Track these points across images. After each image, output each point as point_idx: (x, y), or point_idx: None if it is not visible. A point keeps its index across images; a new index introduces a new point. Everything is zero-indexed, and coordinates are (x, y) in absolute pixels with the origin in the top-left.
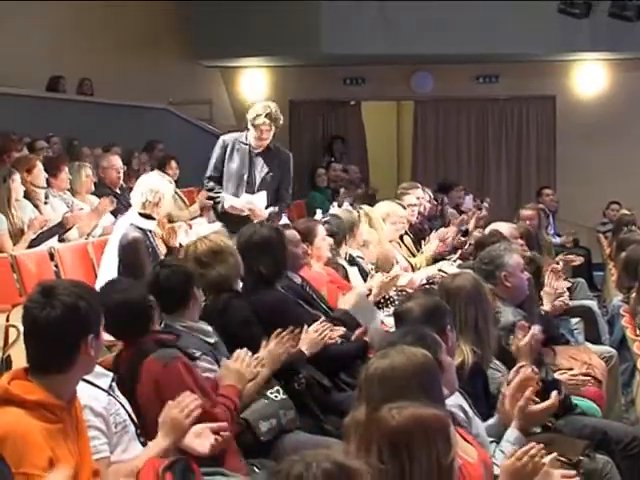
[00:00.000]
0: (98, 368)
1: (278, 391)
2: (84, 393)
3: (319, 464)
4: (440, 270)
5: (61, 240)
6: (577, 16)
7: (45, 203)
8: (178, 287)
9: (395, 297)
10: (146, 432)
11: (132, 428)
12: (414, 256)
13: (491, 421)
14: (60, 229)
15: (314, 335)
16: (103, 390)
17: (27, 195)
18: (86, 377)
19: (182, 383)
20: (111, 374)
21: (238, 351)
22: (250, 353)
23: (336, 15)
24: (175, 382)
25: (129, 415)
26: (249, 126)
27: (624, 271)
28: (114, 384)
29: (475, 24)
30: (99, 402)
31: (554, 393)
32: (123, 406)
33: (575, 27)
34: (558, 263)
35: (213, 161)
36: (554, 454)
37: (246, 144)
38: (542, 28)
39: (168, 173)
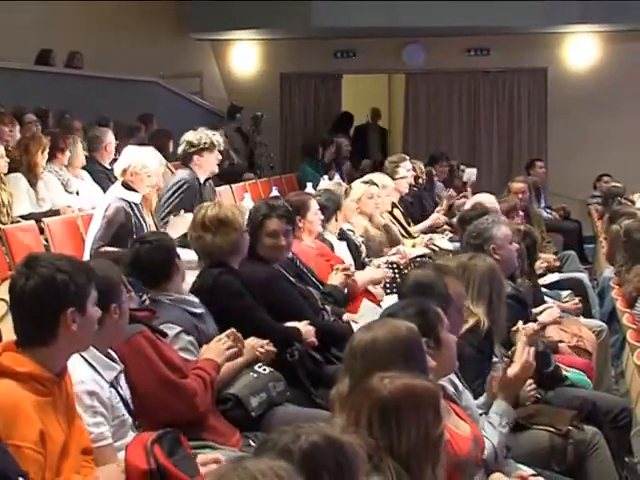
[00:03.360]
0: (107, 360)
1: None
2: (90, 378)
3: (308, 437)
4: (432, 244)
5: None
6: None
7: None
8: (160, 262)
9: (386, 269)
10: None
11: (129, 422)
12: (405, 230)
13: (482, 399)
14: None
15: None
16: (106, 382)
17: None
18: (94, 365)
19: (145, 356)
20: (119, 367)
21: (221, 335)
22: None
23: None
24: (137, 355)
25: (128, 408)
26: (206, 153)
27: (624, 248)
28: (121, 375)
29: None
30: (104, 391)
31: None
32: (123, 399)
33: None
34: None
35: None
36: None
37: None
38: (534, 0)
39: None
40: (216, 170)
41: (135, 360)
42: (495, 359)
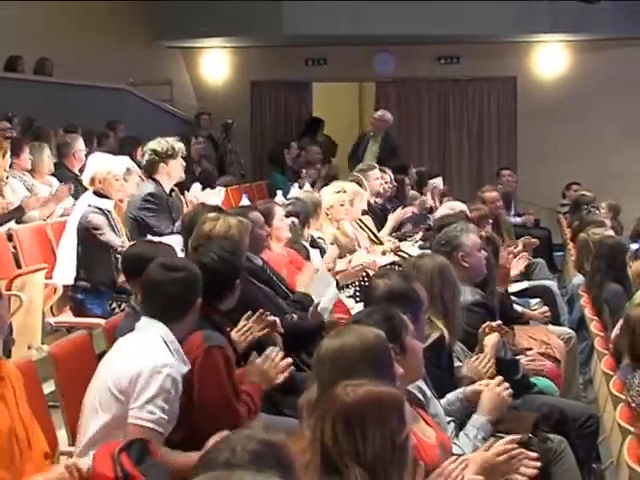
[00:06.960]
0: (183, 354)
1: None
2: (177, 368)
3: (244, 447)
4: (401, 251)
5: (19, 222)
6: None
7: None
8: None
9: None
10: None
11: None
12: (375, 236)
13: (450, 396)
14: (19, 213)
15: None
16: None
17: None
18: (175, 356)
19: (217, 372)
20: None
21: (269, 350)
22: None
23: None
24: (210, 367)
25: None
26: (171, 160)
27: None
28: None
29: (437, 5)
30: (179, 385)
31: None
32: None
33: (536, 8)
34: (517, 246)
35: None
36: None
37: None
38: (503, 9)
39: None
40: (183, 176)
41: (206, 370)
42: (458, 363)
